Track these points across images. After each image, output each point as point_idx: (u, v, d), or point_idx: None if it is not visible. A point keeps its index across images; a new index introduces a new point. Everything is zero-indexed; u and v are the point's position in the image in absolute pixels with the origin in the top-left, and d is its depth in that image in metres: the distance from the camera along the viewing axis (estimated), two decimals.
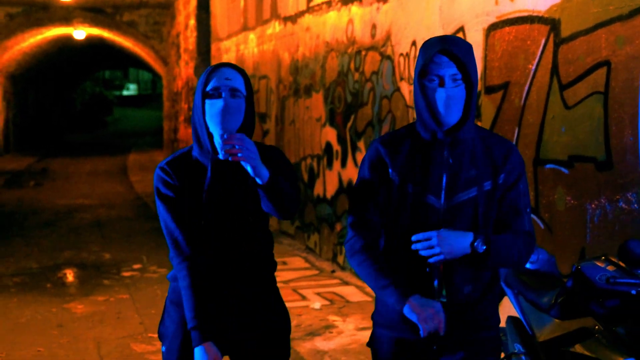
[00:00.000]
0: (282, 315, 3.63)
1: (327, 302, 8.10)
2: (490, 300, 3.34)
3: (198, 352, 3.29)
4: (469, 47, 3.18)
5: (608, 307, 3.56)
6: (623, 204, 4.99)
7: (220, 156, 3.26)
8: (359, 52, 9.00)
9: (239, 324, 3.50)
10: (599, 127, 5.20)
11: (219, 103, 3.35)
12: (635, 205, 4.89)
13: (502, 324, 4.83)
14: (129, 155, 28.17)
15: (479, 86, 6.49)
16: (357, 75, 9.09)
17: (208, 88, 3.37)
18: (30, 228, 13.39)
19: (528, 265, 4.46)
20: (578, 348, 3.68)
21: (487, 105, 6.43)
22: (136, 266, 10.13)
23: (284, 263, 10.00)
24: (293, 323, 7.39)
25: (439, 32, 7.08)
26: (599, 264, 3.64)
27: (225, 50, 16.09)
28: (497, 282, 3.37)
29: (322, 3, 10.08)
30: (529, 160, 5.92)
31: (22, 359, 6.58)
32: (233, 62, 15.09)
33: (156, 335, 5.87)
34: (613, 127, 5.07)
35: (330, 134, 9.99)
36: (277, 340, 3.59)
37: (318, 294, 8.45)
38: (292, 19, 11.40)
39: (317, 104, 10.46)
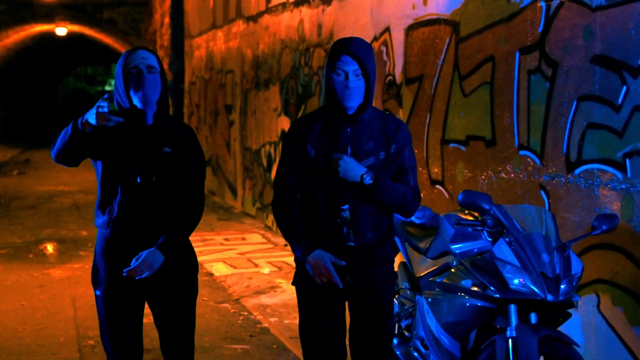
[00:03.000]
0: (190, 258, 4.29)
1: (276, 269, 9.15)
2: (387, 244, 4.21)
3: None
4: (369, 48, 4.02)
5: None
6: (503, 174, 6.06)
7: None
8: (307, 49, 10.03)
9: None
10: (487, 111, 6.25)
11: (139, 79, 3.97)
12: (512, 175, 5.96)
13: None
14: None
15: (400, 78, 7.57)
16: (306, 70, 10.10)
17: (129, 67, 4.00)
18: (14, 210, 14.31)
19: (416, 221, 5.50)
20: (443, 279, 4.77)
21: (407, 95, 7.49)
22: None
23: (244, 239, 11.05)
24: (244, 285, 8.47)
25: (371, 32, 8.14)
26: (459, 214, 4.72)
27: (197, 47, 16.97)
28: (393, 231, 4.30)
29: (279, 4, 11.06)
30: (437, 140, 6.98)
31: (8, 310, 7.60)
32: (203, 58, 16.09)
33: None
34: (497, 111, 6.14)
35: (284, 123, 10.96)
36: (185, 279, 4.26)
37: (269, 262, 9.49)
38: (254, 18, 12.34)
39: (274, 95, 11.43)
